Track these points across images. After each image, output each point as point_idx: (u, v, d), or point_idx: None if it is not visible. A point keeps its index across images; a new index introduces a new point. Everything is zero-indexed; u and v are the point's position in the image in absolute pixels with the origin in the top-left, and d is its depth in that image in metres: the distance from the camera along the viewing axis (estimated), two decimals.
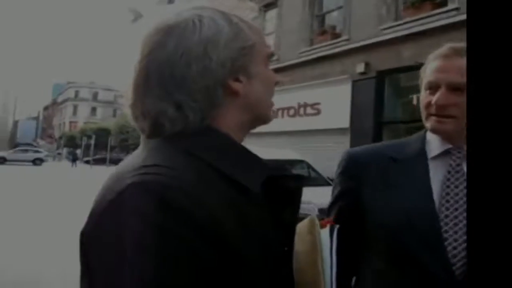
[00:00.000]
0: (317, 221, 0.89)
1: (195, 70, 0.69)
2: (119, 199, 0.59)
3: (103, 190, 0.65)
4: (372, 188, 1.22)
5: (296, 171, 10.28)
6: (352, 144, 11.01)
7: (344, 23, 12.06)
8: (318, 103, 12.60)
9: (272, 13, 15.46)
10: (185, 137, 0.70)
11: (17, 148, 39.38)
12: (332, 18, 13.33)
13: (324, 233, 0.91)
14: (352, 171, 1.30)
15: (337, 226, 0.94)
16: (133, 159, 0.70)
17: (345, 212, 1.28)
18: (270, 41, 15.31)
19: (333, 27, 12.85)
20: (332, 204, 1.35)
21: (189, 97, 0.70)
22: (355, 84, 11.29)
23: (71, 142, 61.20)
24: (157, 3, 23.30)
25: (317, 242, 0.87)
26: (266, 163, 0.74)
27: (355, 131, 11.11)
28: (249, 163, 0.72)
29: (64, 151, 56.41)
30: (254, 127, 0.82)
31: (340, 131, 11.65)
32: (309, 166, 9.97)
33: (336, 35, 12.44)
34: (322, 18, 13.60)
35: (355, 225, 1.24)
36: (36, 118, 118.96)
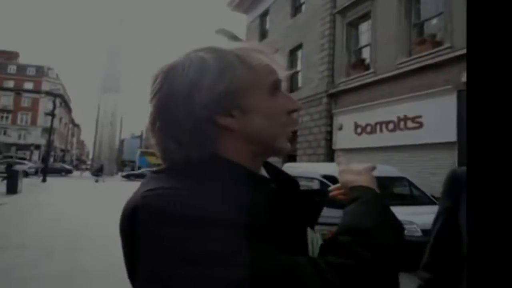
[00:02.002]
0: (312, 234, 0.90)
1: (182, 111, 0.74)
2: (131, 220, 0.66)
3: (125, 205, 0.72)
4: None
5: (396, 189, 9.78)
6: (461, 159, 10.25)
7: (445, 30, 11.36)
8: (419, 116, 11.92)
9: (365, 26, 15.10)
10: (188, 165, 0.74)
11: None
12: (431, 26, 12.65)
13: None
14: (452, 190, 1.31)
15: None
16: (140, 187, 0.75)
17: (442, 232, 1.32)
18: (365, 54, 14.96)
19: (433, 35, 12.18)
20: (434, 222, 1.38)
21: (184, 134, 0.74)
22: (461, 94, 10.52)
23: None
24: (250, 22, 23.89)
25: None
26: (268, 181, 0.80)
27: (464, 145, 10.29)
28: (252, 181, 0.74)
29: None
30: (268, 156, 0.84)
31: (445, 145, 10.89)
32: (410, 184, 9.42)
33: (437, 44, 11.77)
34: (420, 27, 12.96)
35: (451, 244, 1.25)
36: (140, 137, 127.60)
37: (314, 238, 0.88)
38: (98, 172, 40.61)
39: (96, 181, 36.93)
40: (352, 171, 0.95)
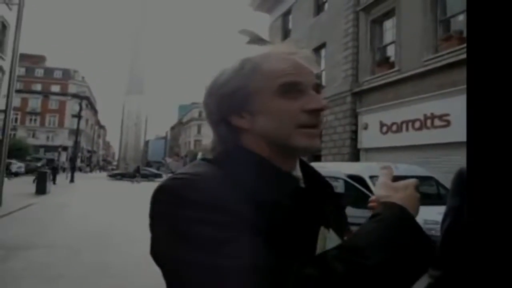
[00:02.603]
0: (326, 235, 0.86)
1: (207, 114, 0.91)
2: (153, 198, 0.76)
3: None
4: None
5: (423, 188, 9.60)
6: None
7: None
8: (447, 114, 11.67)
9: (389, 23, 14.87)
10: (219, 156, 0.85)
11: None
12: (458, 22, 12.35)
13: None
14: (460, 188, 1.30)
15: None
16: None
17: (451, 230, 1.32)
18: (390, 52, 14.73)
19: (460, 32, 11.90)
20: (442, 220, 1.37)
21: (214, 131, 0.90)
22: None
23: (195, 159, 65.39)
24: (273, 21, 23.84)
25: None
26: (291, 177, 0.86)
27: None
28: (270, 174, 0.81)
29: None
30: (291, 154, 0.88)
31: None
32: (438, 183, 9.25)
33: (464, 40, 11.48)
34: (446, 23, 12.68)
35: (459, 242, 1.24)
36: (164, 138, 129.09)
37: (328, 239, 0.84)
38: (135, 173, 41.49)
39: (136, 181, 38.25)
40: (388, 186, 0.88)
